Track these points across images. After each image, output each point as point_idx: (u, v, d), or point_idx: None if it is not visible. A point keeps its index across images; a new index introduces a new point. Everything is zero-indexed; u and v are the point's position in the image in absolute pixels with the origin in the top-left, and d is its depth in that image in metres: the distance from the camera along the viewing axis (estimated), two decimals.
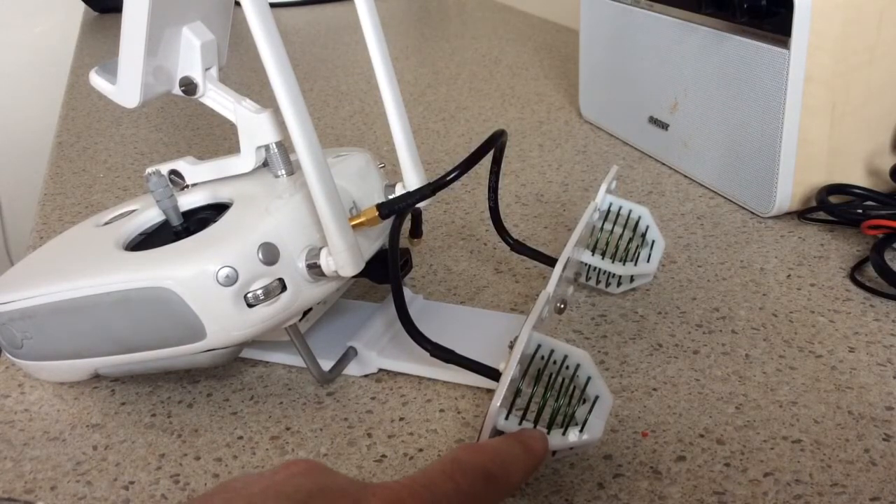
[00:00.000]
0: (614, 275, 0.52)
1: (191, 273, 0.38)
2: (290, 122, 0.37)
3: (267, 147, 0.44)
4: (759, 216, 0.63)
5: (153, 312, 0.39)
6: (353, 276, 0.41)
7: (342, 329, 0.49)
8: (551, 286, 0.41)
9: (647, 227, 0.51)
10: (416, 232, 0.52)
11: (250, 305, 0.39)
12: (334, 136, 0.86)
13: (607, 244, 0.51)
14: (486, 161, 0.46)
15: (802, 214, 0.62)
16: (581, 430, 0.36)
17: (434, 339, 0.40)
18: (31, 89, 2.03)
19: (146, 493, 0.39)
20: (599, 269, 0.52)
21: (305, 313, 0.45)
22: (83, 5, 1.62)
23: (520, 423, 0.36)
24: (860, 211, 0.58)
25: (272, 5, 0.37)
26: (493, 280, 0.56)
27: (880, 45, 0.58)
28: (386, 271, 0.42)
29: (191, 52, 0.44)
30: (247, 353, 0.49)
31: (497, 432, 0.36)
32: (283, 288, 0.40)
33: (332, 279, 0.42)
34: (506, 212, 0.67)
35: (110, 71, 0.44)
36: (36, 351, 0.43)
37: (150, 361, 0.41)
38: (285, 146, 0.44)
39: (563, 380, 0.38)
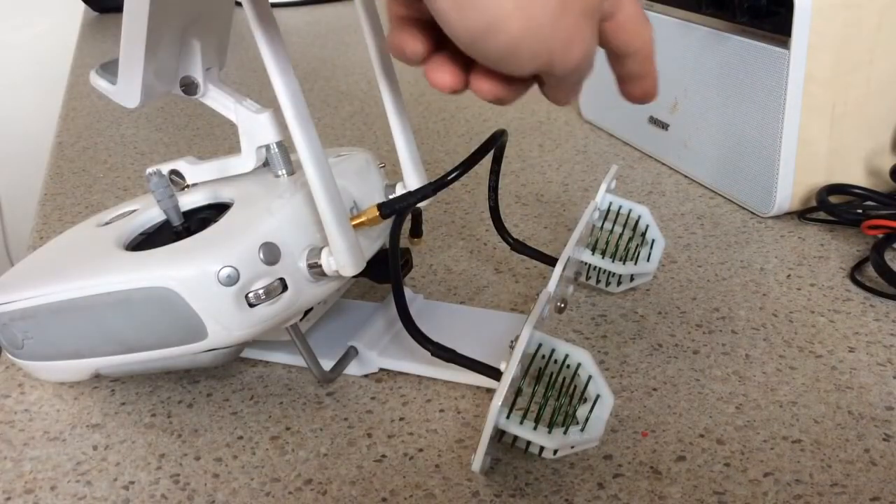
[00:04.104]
0: (614, 274, 0.52)
1: (192, 273, 0.38)
2: (291, 122, 0.37)
3: (267, 147, 0.44)
4: (759, 216, 0.63)
5: (154, 312, 0.39)
6: (354, 276, 0.41)
7: (343, 329, 0.49)
8: (552, 285, 0.42)
9: (647, 227, 0.52)
10: (416, 232, 0.52)
11: (251, 305, 0.39)
12: (334, 136, 0.86)
13: (607, 243, 0.51)
14: (487, 161, 0.46)
15: (802, 214, 0.62)
16: (582, 430, 0.36)
17: (434, 338, 0.40)
18: (31, 89, 2.03)
19: (146, 493, 0.39)
20: (599, 269, 0.52)
21: (306, 313, 0.45)
22: (83, 5, 1.62)
23: (521, 423, 0.36)
24: (860, 211, 0.58)
25: (273, 6, 0.37)
26: (493, 280, 0.56)
27: (880, 45, 0.58)
28: (386, 271, 0.42)
29: (191, 52, 0.44)
30: (247, 353, 0.49)
31: (498, 431, 0.36)
32: (285, 288, 0.40)
33: (332, 279, 0.42)
34: (506, 212, 0.67)
35: (111, 71, 0.44)
36: (37, 351, 0.43)
37: (151, 361, 0.41)
38: (286, 146, 0.44)
39: (564, 379, 0.38)
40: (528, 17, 0.29)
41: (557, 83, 0.34)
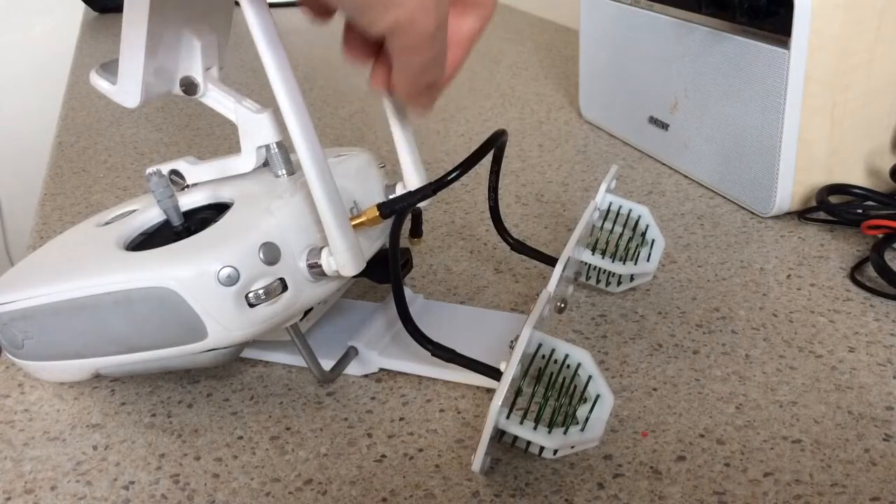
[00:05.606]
0: (614, 274, 0.52)
1: (192, 273, 0.38)
2: (291, 123, 0.37)
3: (267, 147, 0.44)
4: (759, 216, 0.63)
5: (154, 312, 0.39)
6: (354, 276, 0.41)
7: (343, 329, 0.49)
8: (552, 285, 0.42)
9: (647, 227, 0.52)
10: (416, 232, 0.52)
11: (251, 305, 0.39)
12: (334, 136, 0.86)
13: (607, 243, 0.51)
14: (487, 161, 0.46)
15: (802, 214, 0.62)
16: (582, 430, 0.36)
17: (434, 338, 0.40)
18: (31, 89, 2.03)
19: (146, 493, 0.39)
20: (599, 269, 0.52)
21: (306, 313, 0.45)
22: (83, 5, 1.62)
23: (521, 423, 0.36)
24: (860, 211, 0.58)
25: (272, 6, 0.37)
26: (493, 280, 0.56)
27: (880, 45, 0.58)
28: (386, 271, 0.42)
29: (191, 52, 0.44)
30: (247, 353, 0.49)
31: (498, 431, 0.36)
32: (285, 288, 0.40)
33: (333, 279, 0.42)
34: (506, 212, 0.67)
35: (111, 71, 0.44)
36: (37, 351, 0.43)
37: (151, 361, 0.41)
38: (286, 146, 0.44)
39: (564, 379, 0.38)
40: None
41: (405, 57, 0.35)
